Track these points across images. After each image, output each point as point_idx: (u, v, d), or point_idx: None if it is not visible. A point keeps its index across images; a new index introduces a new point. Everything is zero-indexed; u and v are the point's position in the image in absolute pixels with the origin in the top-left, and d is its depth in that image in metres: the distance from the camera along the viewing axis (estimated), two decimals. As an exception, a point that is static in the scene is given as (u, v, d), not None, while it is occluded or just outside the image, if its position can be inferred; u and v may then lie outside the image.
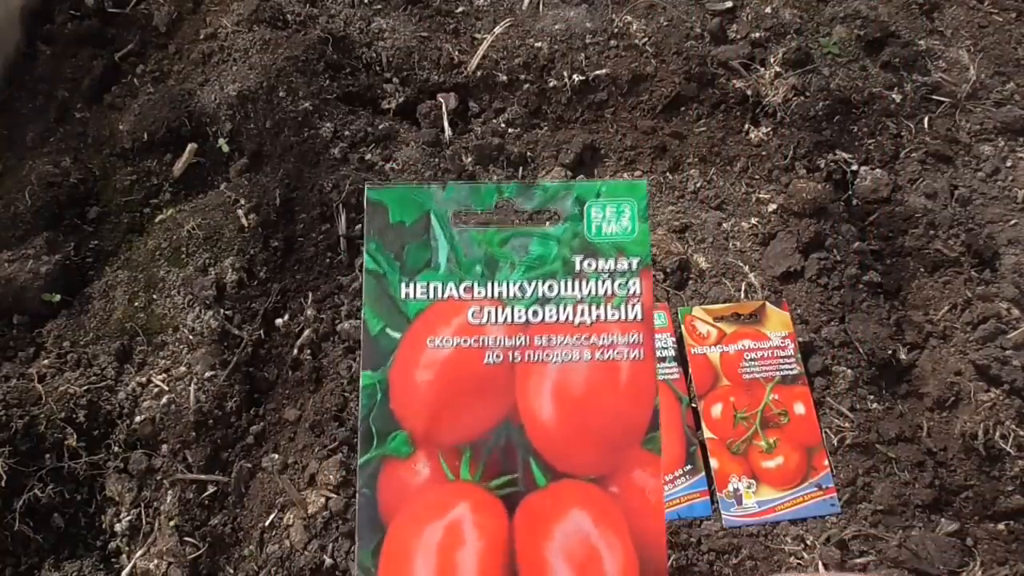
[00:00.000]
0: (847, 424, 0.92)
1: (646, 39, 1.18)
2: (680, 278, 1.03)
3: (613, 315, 0.40)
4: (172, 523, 0.85)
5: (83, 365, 0.94)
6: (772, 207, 1.08)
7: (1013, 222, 1.05)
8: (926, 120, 1.14)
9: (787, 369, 0.95)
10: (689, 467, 0.90)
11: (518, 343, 0.39)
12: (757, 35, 1.19)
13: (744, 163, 1.12)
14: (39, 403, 0.89)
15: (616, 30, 1.19)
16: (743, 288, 1.02)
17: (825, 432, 0.92)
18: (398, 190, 0.41)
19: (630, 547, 0.37)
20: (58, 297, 0.99)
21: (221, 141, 1.09)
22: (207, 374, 0.92)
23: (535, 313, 0.40)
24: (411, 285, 0.40)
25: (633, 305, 0.40)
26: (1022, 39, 1.22)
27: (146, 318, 0.98)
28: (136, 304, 0.99)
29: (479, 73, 1.17)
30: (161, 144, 1.08)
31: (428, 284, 0.40)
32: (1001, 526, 0.87)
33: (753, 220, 1.07)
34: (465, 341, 0.39)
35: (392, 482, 0.38)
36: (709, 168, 1.12)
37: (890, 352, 0.96)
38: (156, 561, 0.84)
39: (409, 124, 1.13)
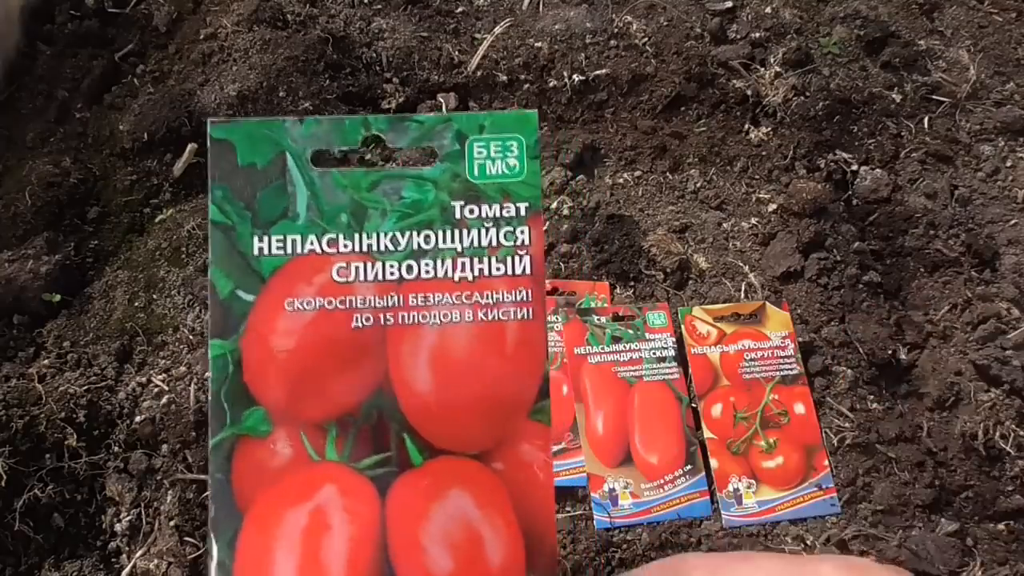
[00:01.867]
0: (847, 424, 0.92)
1: (646, 39, 1.18)
2: (680, 278, 1.03)
3: (498, 269, 0.35)
4: (172, 523, 0.85)
5: (83, 365, 0.94)
6: (772, 207, 1.08)
7: (1013, 222, 1.05)
8: (926, 120, 1.14)
9: (787, 369, 0.95)
10: (689, 467, 0.90)
11: (390, 303, 0.34)
12: (757, 35, 1.19)
13: (744, 163, 1.12)
14: (39, 403, 0.89)
15: (616, 30, 1.19)
16: (743, 288, 1.02)
17: (825, 432, 0.92)
18: (246, 126, 0.35)
19: (515, 529, 0.33)
20: (58, 297, 0.99)
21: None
22: (207, 374, 0.92)
23: (409, 268, 0.34)
24: (265, 239, 0.34)
25: (521, 257, 0.35)
26: (1022, 39, 1.22)
27: (146, 318, 0.98)
28: (136, 304, 0.99)
29: (479, 73, 1.17)
30: (161, 144, 1.08)
31: (285, 237, 0.34)
32: (1001, 526, 0.87)
33: (753, 220, 1.07)
34: (329, 303, 0.34)
35: (248, 465, 0.33)
36: (709, 168, 1.12)
37: (890, 352, 0.96)
38: (156, 561, 0.84)
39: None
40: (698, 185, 1.11)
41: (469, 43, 1.20)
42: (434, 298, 0.35)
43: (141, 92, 1.14)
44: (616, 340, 0.96)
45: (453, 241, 0.35)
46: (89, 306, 1.00)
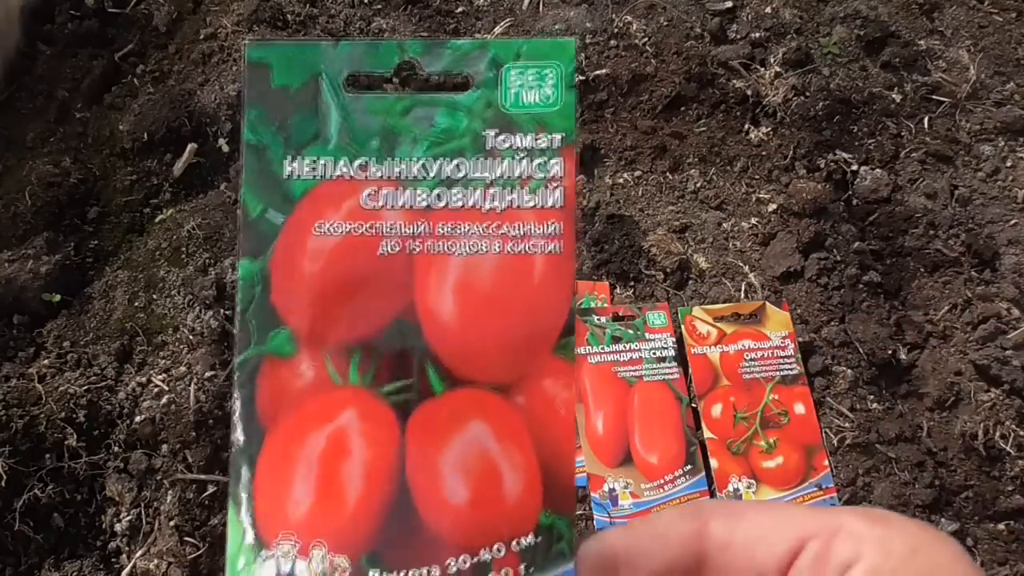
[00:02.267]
0: (847, 424, 0.92)
1: (646, 39, 1.18)
2: (680, 278, 1.03)
3: (529, 201, 0.34)
4: (172, 523, 0.85)
5: (83, 365, 0.94)
6: (772, 207, 1.08)
7: (1013, 222, 1.05)
8: (926, 120, 1.14)
9: (787, 369, 0.95)
10: (689, 467, 0.90)
11: (418, 231, 0.34)
12: (757, 35, 1.19)
13: (744, 163, 1.12)
14: (39, 403, 0.89)
15: (616, 30, 1.19)
16: (743, 288, 1.02)
17: (825, 432, 0.92)
18: (283, 47, 0.34)
19: (534, 464, 0.32)
20: (58, 297, 0.99)
21: (221, 141, 1.09)
22: (207, 374, 0.92)
23: (439, 197, 0.34)
24: (296, 161, 0.34)
25: (553, 189, 0.34)
26: (1022, 39, 1.22)
27: (146, 318, 0.98)
28: (136, 304, 0.99)
29: (479, 73, 1.17)
30: (161, 144, 1.08)
31: (316, 160, 0.34)
32: (1001, 526, 0.87)
33: (753, 220, 1.07)
34: (358, 228, 0.34)
35: (272, 384, 0.33)
36: (709, 168, 1.12)
37: (890, 352, 0.96)
38: (156, 561, 0.84)
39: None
40: (698, 185, 1.11)
41: (469, 43, 1.20)
42: (462, 228, 0.34)
43: (141, 92, 1.14)
44: (616, 340, 0.96)
45: (484, 171, 0.34)
46: (89, 306, 1.00)
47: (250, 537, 0.32)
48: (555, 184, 0.34)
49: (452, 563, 0.32)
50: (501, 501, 0.32)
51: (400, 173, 0.34)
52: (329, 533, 0.32)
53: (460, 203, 0.34)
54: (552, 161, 0.34)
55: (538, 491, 0.32)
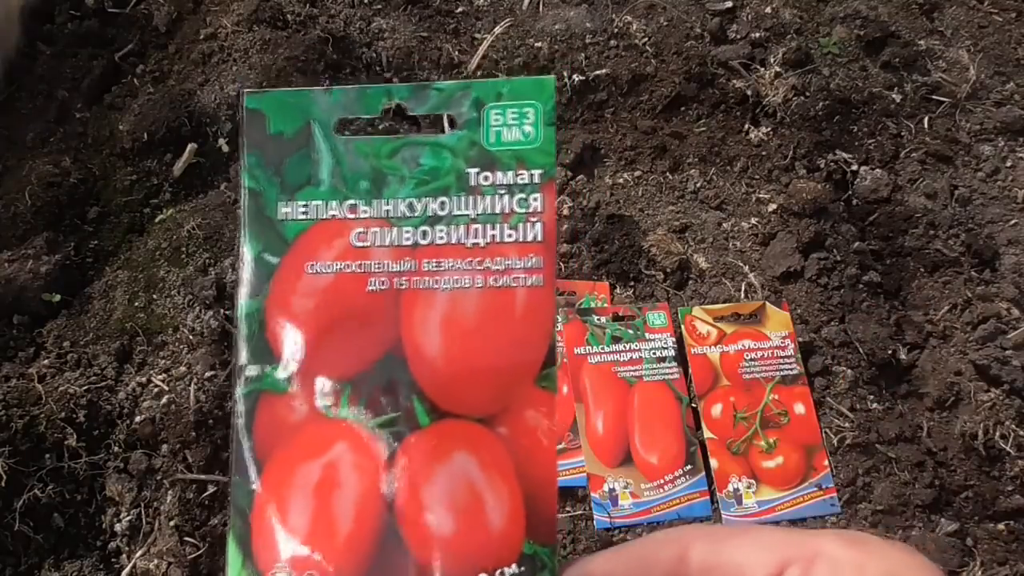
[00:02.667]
0: (847, 424, 0.92)
1: (646, 39, 1.18)
2: (680, 278, 1.03)
3: (510, 236, 0.35)
4: (172, 523, 0.85)
5: (83, 365, 0.94)
6: (772, 207, 1.08)
7: (1013, 222, 1.05)
8: (926, 120, 1.14)
9: (787, 369, 0.95)
10: (689, 467, 0.90)
11: (405, 268, 0.35)
12: (757, 35, 1.19)
13: (744, 163, 1.12)
14: (39, 403, 0.89)
15: (616, 30, 1.19)
16: (743, 288, 1.02)
17: (825, 432, 0.92)
18: (277, 95, 0.36)
19: (517, 494, 0.33)
20: (58, 297, 0.99)
21: (221, 141, 1.09)
22: (207, 374, 0.92)
23: (424, 234, 0.35)
24: (290, 204, 0.36)
25: (533, 224, 0.35)
26: (1022, 39, 1.22)
27: (146, 318, 0.98)
28: (136, 304, 0.99)
29: (479, 73, 1.17)
30: (161, 144, 1.08)
31: (309, 203, 0.36)
32: (1001, 526, 0.87)
33: (753, 220, 1.07)
34: (347, 266, 0.35)
35: (268, 419, 0.35)
36: (709, 168, 1.12)
37: (890, 352, 0.96)
38: (156, 561, 0.84)
39: (409, 124, 1.13)
40: (698, 185, 1.11)
41: (469, 43, 1.20)
42: (447, 263, 0.35)
43: (141, 92, 1.14)
44: (616, 340, 0.96)
45: (467, 208, 0.35)
46: (89, 306, 1.00)
47: (248, 568, 0.34)
48: (535, 219, 0.35)
49: None
50: (485, 531, 0.33)
51: (388, 212, 0.36)
52: (322, 563, 0.33)
53: (444, 240, 0.35)
54: (532, 196, 0.35)
55: (521, 521, 0.33)
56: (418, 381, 0.35)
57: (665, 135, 1.13)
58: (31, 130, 1.13)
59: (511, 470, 0.34)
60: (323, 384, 0.35)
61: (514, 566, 0.33)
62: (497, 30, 1.19)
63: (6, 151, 1.11)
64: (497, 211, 0.35)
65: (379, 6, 1.24)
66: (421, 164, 0.36)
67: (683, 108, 1.15)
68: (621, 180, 1.11)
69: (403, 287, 0.35)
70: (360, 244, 0.35)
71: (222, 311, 0.96)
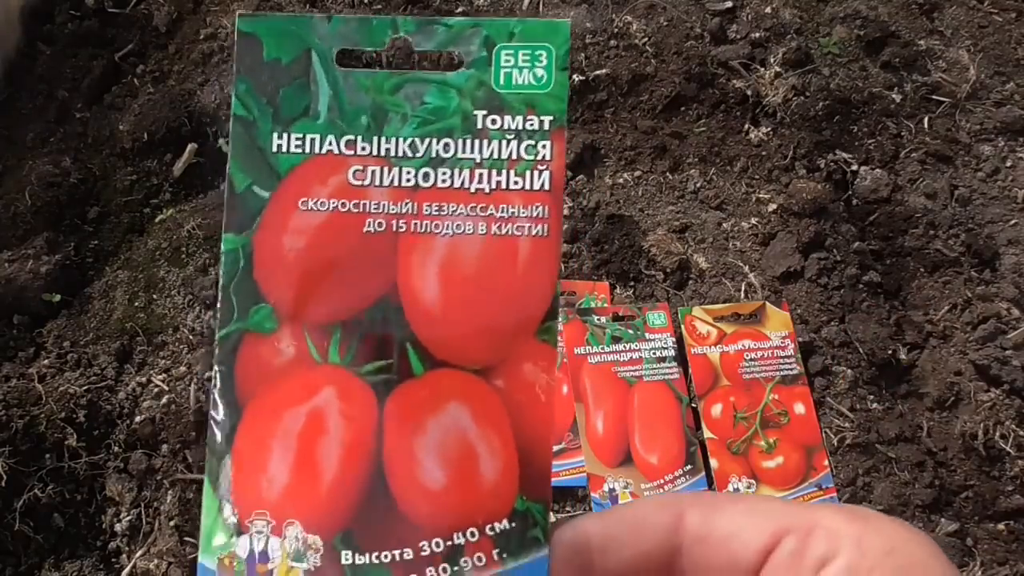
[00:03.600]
0: (847, 424, 0.92)
1: (646, 39, 1.18)
2: (680, 278, 1.03)
3: (516, 183, 0.33)
4: (172, 523, 0.85)
5: (83, 365, 0.94)
6: (772, 207, 1.08)
7: (1013, 222, 1.05)
8: (926, 120, 1.14)
9: (787, 369, 0.95)
10: (689, 467, 0.90)
11: (404, 210, 0.33)
12: (757, 35, 1.19)
13: (744, 163, 1.12)
14: (39, 403, 0.89)
15: (616, 30, 1.19)
16: (743, 288, 1.02)
17: (825, 432, 0.92)
18: (274, 20, 0.34)
19: (511, 448, 0.32)
20: (58, 297, 0.99)
21: (221, 141, 1.09)
22: (207, 374, 0.92)
23: (426, 176, 0.34)
24: (285, 136, 0.34)
25: (540, 172, 0.33)
26: (1022, 39, 1.22)
27: (146, 318, 0.98)
28: (136, 304, 0.99)
29: (479, 73, 1.17)
30: (161, 144, 1.08)
31: (304, 136, 0.34)
32: (1001, 526, 0.87)
33: (753, 220, 1.07)
34: (343, 205, 0.33)
35: (252, 361, 0.33)
36: (709, 168, 1.12)
37: (890, 352, 0.96)
38: (156, 561, 0.84)
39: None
40: (698, 185, 1.11)
41: (469, 43, 1.20)
42: (448, 208, 0.34)
43: (141, 92, 1.14)
44: (616, 340, 0.96)
45: (472, 151, 0.34)
46: (89, 306, 1.00)
47: (225, 513, 0.32)
48: (543, 167, 0.34)
49: (425, 546, 0.32)
50: (477, 485, 0.32)
51: (388, 151, 0.34)
52: (303, 512, 0.32)
53: (447, 183, 0.34)
54: (541, 143, 0.34)
55: (514, 476, 0.32)
56: (413, 328, 0.33)
57: (665, 135, 1.14)
58: (31, 130, 1.13)
59: (506, 424, 0.32)
60: (312, 327, 0.33)
61: (505, 521, 0.32)
62: (497, 30, 1.19)
63: (6, 151, 1.11)
64: (503, 157, 0.34)
65: (379, 6, 1.24)
66: (425, 102, 0.34)
67: (683, 108, 1.15)
68: (621, 180, 1.11)
69: (401, 230, 0.34)
70: (357, 183, 0.34)
71: (222, 311, 0.96)
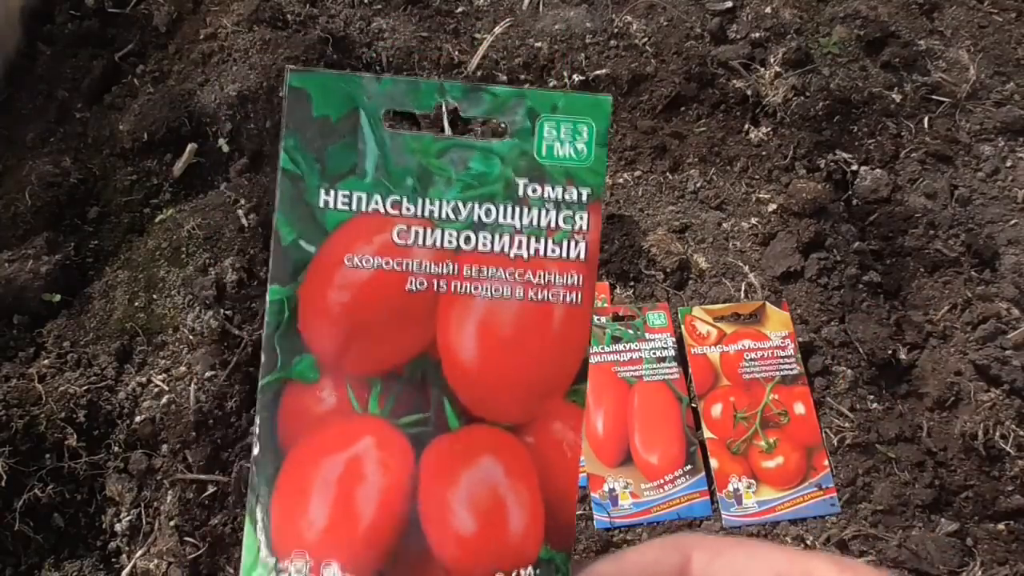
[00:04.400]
0: (847, 424, 0.92)
1: (646, 39, 1.18)
2: (680, 278, 1.03)
3: (553, 251, 0.35)
4: (172, 523, 0.85)
5: (83, 365, 0.94)
6: (772, 207, 1.08)
7: (1013, 222, 1.05)
8: (926, 120, 1.14)
9: (787, 369, 0.95)
10: (689, 467, 0.90)
11: (445, 271, 0.35)
12: (757, 35, 1.19)
13: (744, 163, 1.12)
14: (39, 403, 0.89)
15: (616, 30, 1.19)
16: (743, 288, 1.02)
17: (825, 432, 0.92)
18: (325, 77, 0.35)
19: (538, 501, 0.34)
20: (58, 297, 0.99)
21: (221, 141, 1.09)
22: (207, 374, 0.92)
23: (467, 239, 0.35)
24: (332, 192, 0.35)
25: (577, 242, 0.35)
26: (1022, 39, 1.22)
27: (146, 318, 0.98)
28: (136, 304, 0.99)
29: (479, 73, 1.17)
30: (161, 144, 1.08)
31: (351, 193, 0.35)
32: (1001, 526, 0.87)
33: (753, 220, 1.07)
34: (387, 263, 0.35)
35: (294, 408, 0.35)
36: (709, 168, 1.12)
37: (890, 352, 0.96)
38: (156, 561, 0.84)
39: (409, 124, 1.13)
40: (698, 185, 1.11)
41: (469, 43, 1.20)
42: (488, 271, 0.35)
43: (141, 92, 1.14)
44: (616, 340, 0.96)
45: (513, 217, 0.35)
46: (89, 306, 1.00)
47: (265, 553, 0.34)
48: (580, 237, 0.35)
49: None
50: (505, 534, 0.34)
51: (432, 213, 0.35)
52: (341, 552, 0.34)
53: (488, 247, 0.35)
54: (579, 214, 0.35)
55: (540, 527, 0.34)
56: (451, 384, 0.35)
57: (665, 135, 1.13)
58: (31, 130, 1.13)
59: (535, 478, 0.34)
60: (353, 378, 0.35)
61: (530, 568, 0.34)
62: (497, 30, 1.19)
63: (6, 151, 1.11)
64: (543, 225, 0.35)
65: (379, 6, 1.24)
66: (470, 167, 0.36)
67: (683, 108, 1.15)
68: (621, 180, 1.11)
69: (442, 290, 0.35)
70: (401, 242, 0.35)
71: (222, 311, 0.96)
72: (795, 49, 1.16)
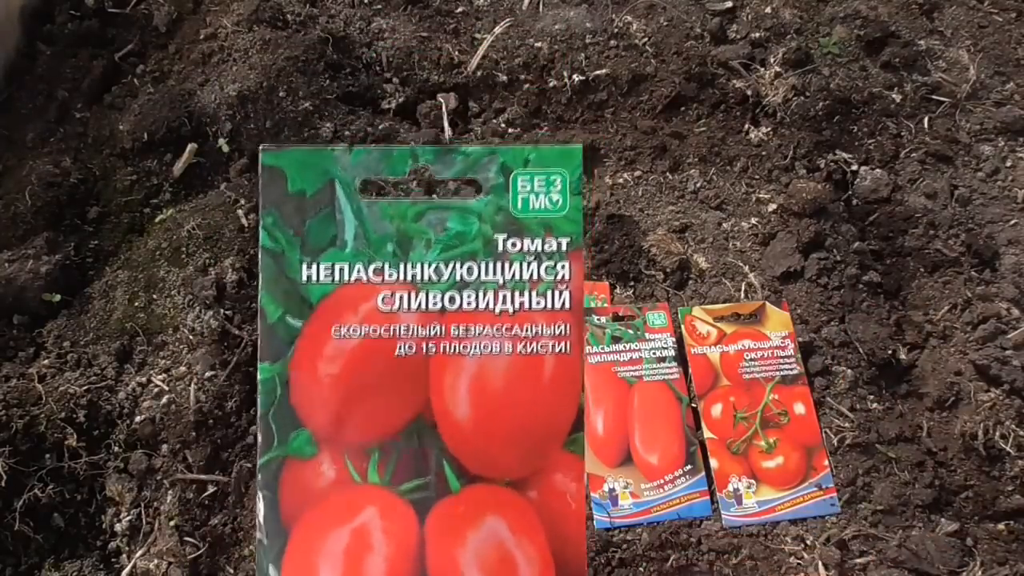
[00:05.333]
0: (847, 424, 0.92)
1: (646, 39, 1.18)
2: (680, 278, 1.03)
3: (538, 303, 0.36)
4: (172, 523, 0.85)
5: (83, 365, 0.94)
6: (772, 207, 1.08)
7: (1013, 222, 1.05)
8: (926, 120, 1.14)
9: (787, 369, 0.95)
10: (689, 467, 0.90)
11: (432, 333, 0.36)
12: (757, 35, 1.19)
13: (744, 163, 1.12)
14: (39, 403, 0.89)
15: (616, 30, 1.19)
16: (743, 288, 1.02)
17: (825, 432, 0.92)
18: (297, 153, 0.36)
19: (547, 556, 0.34)
20: (58, 297, 0.99)
21: (221, 141, 1.09)
22: (207, 374, 0.92)
23: (452, 299, 0.36)
24: (314, 266, 0.36)
25: (561, 292, 0.36)
26: (1022, 39, 1.22)
27: (146, 318, 0.98)
28: (136, 304, 0.99)
29: (479, 73, 1.17)
30: (161, 144, 1.08)
31: (333, 265, 0.36)
32: (1001, 526, 0.87)
33: (753, 220, 1.07)
34: (374, 331, 0.36)
35: (295, 484, 0.35)
36: (709, 168, 1.12)
37: (890, 352, 0.96)
38: (156, 561, 0.84)
39: (409, 124, 1.13)
40: (698, 185, 1.11)
41: (469, 43, 1.20)
42: (475, 329, 0.36)
43: (141, 92, 1.14)
44: (616, 340, 0.96)
45: (495, 274, 0.36)
46: (89, 306, 1.00)
47: None
48: (563, 287, 0.36)
49: None
50: None
51: (415, 276, 0.36)
52: None
53: (472, 305, 0.36)
54: (560, 264, 0.36)
55: None
56: (448, 446, 0.35)
57: (665, 135, 1.13)
58: (31, 130, 1.13)
59: (541, 532, 0.35)
60: (350, 449, 0.35)
61: None
62: (497, 30, 1.19)
63: (6, 151, 1.11)
64: (525, 278, 0.36)
65: (379, 6, 1.24)
66: (448, 228, 0.36)
67: (683, 108, 1.15)
68: (621, 180, 1.11)
69: (431, 352, 0.36)
70: (386, 308, 0.36)
71: (222, 311, 0.96)
72: (795, 49, 1.16)
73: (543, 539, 0.34)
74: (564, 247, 0.36)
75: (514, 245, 0.36)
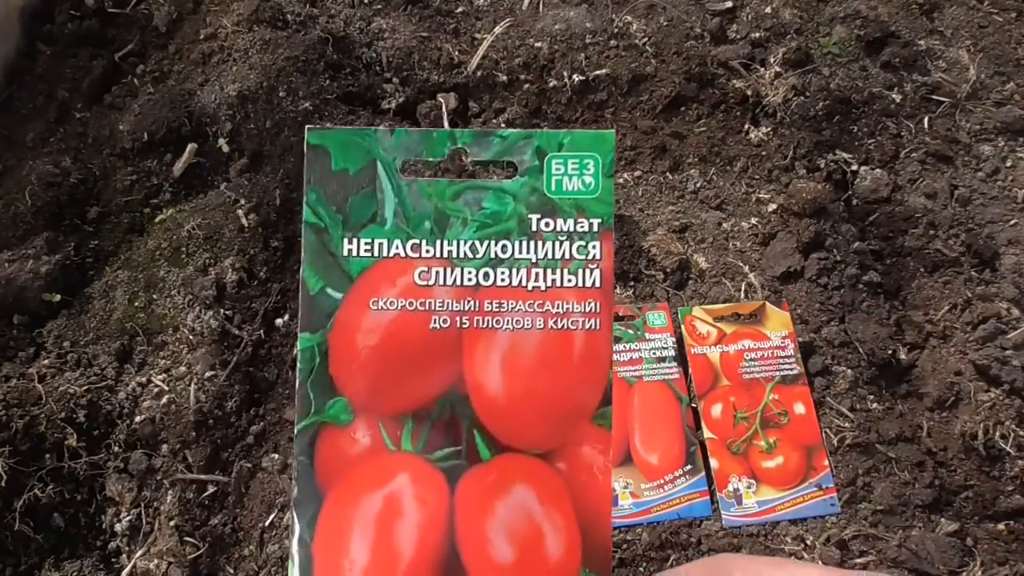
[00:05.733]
0: (847, 424, 0.92)
1: (646, 39, 1.18)
2: (680, 278, 1.03)
3: (569, 281, 0.37)
4: (172, 523, 0.85)
5: (83, 365, 0.94)
6: (772, 207, 1.08)
7: (1013, 222, 1.05)
8: (926, 120, 1.14)
9: (787, 369, 0.95)
10: (689, 467, 0.90)
11: (467, 307, 0.37)
12: (757, 35, 1.19)
13: (744, 163, 1.12)
14: (39, 403, 0.89)
15: (616, 30, 1.19)
16: (743, 288, 1.02)
17: (825, 432, 0.92)
18: (341, 133, 0.37)
19: (574, 526, 0.35)
20: (58, 297, 0.99)
21: (221, 141, 1.09)
22: (207, 374, 0.92)
23: (486, 275, 0.37)
24: (354, 241, 0.37)
25: (592, 271, 0.37)
26: (1022, 39, 1.22)
27: (146, 318, 0.98)
28: (136, 304, 0.99)
29: (479, 73, 1.17)
30: (161, 144, 1.08)
31: (373, 240, 0.37)
32: (1001, 526, 0.87)
33: (753, 220, 1.07)
34: (410, 304, 0.37)
35: (330, 450, 0.36)
36: (709, 168, 1.12)
37: (890, 352, 0.96)
38: (156, 561, 0.84)
39: (409, 124, 1.13)
40: (698, 185, 1.11)
41: (469, 43, 1.20)
42: (508, 305, 0.37)
43: (141, 92, 1.14)
44: (616, 340, 0.96)
45: (528, 252, 0.37)
46: (89, 306, 1.00)
47: None
48: (594, 265, 0.37)
49: None
50: (544, 560, 0.35)
51: (451, 253, 0.37)
52: None
53: (506, 282, 0.37)
54: (591, 244, 0.37)
55: (577, 550, 0.35)
56: (480, 417, 0.36)
57: (665, 135, 1.13)
58: (31, 130, 1.13)
59: (568, 503, 0.36)
60: (385, 418, 0.36)
61: None
62: (497, 30, 1.19)
63: (6, 151, 1.11)
64: (557, 257, 0.37)
65: (379, 6, 1.24)
66: (484, 207, 0.37)
67: (683, 108, 1.15)
68: (621, 180, 1.11)
69: (465, 326, 0.37)
70: (423, 283, 0.37)
71: (222, 311, 0.96)
72: (795, 49, 1.16)
73: (570, 509, 0.35)
74: (596, 227, 0.37)
75: (547, 225, 0.37)
